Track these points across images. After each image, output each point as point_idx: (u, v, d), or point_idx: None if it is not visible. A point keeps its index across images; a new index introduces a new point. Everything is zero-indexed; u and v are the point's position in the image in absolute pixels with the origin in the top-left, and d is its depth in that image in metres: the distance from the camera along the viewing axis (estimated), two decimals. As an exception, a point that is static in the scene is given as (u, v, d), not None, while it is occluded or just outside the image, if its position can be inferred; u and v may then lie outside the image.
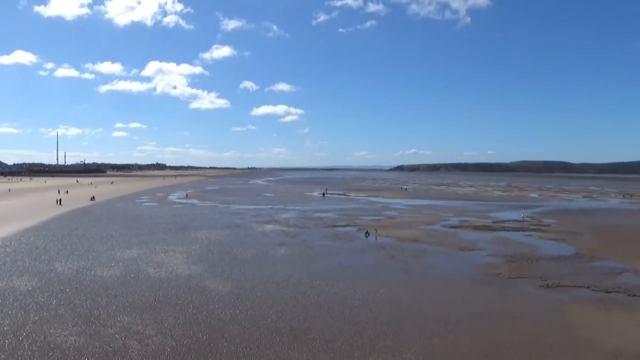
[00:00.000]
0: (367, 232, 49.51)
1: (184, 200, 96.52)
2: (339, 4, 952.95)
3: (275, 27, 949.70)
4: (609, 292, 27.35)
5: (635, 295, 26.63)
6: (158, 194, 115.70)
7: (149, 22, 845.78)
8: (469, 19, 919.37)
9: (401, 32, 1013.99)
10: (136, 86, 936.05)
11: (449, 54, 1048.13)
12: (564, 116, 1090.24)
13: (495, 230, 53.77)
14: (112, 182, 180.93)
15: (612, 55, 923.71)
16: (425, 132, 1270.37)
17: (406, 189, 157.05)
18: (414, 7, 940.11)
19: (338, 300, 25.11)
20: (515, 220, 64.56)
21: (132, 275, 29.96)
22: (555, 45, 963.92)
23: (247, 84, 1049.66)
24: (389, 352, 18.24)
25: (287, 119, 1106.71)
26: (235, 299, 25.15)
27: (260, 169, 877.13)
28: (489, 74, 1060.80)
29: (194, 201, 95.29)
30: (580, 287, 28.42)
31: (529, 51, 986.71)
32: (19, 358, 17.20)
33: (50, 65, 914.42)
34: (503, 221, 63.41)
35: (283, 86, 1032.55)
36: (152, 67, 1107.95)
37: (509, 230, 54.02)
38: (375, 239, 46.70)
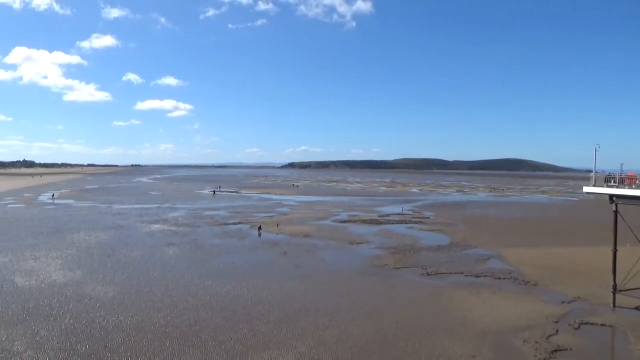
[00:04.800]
0: (259, 229, 49.32)
1: (57, 201, 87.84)
2: (227, 0, 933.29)
3: (163, 20, 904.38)
4: (479, 277, 30.39)
5: (500, 279, 29.91)
6: (26, 195, 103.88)
7: (17, 5, 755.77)
8: (354, 24, 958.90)
9: (291, 31, 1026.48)
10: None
11: (336, 55, 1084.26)
12: (440, 116, 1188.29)
13: (381, 224, 56.79)
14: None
15: (481, 63, 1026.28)
16: (315, 130, 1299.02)
17: (298, 186, 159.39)
18: (302, 9, 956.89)
19: (231, 300, 24.67)
20: (399, 214, 68.85)
21: (-5, 286, 26.56)
22: (432, 51, 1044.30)
23: (131, 77, 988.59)
24: (282, 348, 18.35)
25: (175, 114, 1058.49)
26: (119, 305, 23.50)
27: (145, 166, 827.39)
28: (374, 76, 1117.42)
29: (70, 202, 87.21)
30: (456, 273, 31.21)
31: (409, 55, 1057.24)
32: None
33: None
34: (388, 215, 67.23)
35: (171, 80, 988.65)
36: (18, 53, 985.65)
37: (393, 224, 57.42)
38: (277, 234, 46.72)
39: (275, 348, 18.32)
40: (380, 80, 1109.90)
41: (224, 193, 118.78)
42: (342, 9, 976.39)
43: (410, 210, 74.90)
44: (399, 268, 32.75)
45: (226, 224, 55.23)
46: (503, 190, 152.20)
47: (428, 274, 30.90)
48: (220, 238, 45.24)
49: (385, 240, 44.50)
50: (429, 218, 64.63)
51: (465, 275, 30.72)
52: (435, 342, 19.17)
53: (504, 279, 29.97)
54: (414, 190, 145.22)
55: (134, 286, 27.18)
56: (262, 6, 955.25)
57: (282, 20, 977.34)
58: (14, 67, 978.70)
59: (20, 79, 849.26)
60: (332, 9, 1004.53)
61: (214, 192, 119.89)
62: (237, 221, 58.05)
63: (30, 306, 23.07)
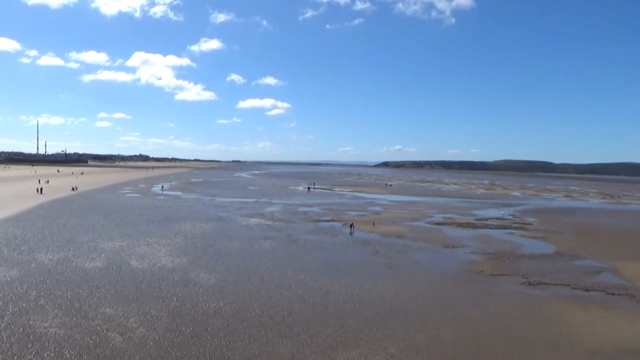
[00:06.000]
0: (351, 227, 49.58)
1: (167, 192, 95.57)
2: (325, 0, 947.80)
3: (265, 22, 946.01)
4: (589, 290, 27.85)
5: (613, 294, 27.15)
6: (141, 186, 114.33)
7: (137, 14, 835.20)
8: (453, 20, 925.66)
9: (388, 30, 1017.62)
10: (121, 76, 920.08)
11: (434, 53, 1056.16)
12: (546, 117, 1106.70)
13: (478, 228, 54.33)
14: (94, 173, 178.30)
15: (593, 59, 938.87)
16: (410, 129, 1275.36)
17: (391, 185, 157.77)
18: (400, 6, 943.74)
19: (322, 295, 25.11)
20: (498, 218, 65.32)
21: (115, 267, 29.57)
22: (537, 47, 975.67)
23: (234, 77, 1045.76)
24: (372, 347, 18.30)
25: (273, 112, 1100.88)
26: (219, 292, 24.99)
27: (245, 162, 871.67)
28: (473, 74, 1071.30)
29: (178, 193, 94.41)
30: (561, 285, 28.90)
31: (511, 53, 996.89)
32: (-3, 349, 16.85)
33: (33, 52, 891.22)
34: (486, 219, 64.10)
35: (270, 80, 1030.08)
36: (137, 57, 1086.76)
37: (491, 228, 54.64)
38: (369, 233, 46.80)
39: (365, 347, 18.33)
40: (480, 78, 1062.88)
41: (318, 190, 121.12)
42: (441, 4, 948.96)
43: (510, 215, 70.74)
44: (496, 275, 31.11)
45: (319, 221, 56.29)
46: (619, 197, 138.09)
47: (529, 283, 28.97)
48: (313, 234, 46.21)
49: (482, 245, 42.52)
50: (531, 224, 60.59)
51: (572, 288, 28.33)
52: (535, 356, 17.95)
53: (619, 294, 27.18)
54: (515, 193, 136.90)
55: (232, 275, 28.73)
56: (359, 5, 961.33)
57: (378, 18, 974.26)
58: (133, 70, 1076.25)
59: (138, 80, 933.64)
60: (430, 6, 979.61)
61: (308, 188, 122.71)
62: (329, 218, 58.90)
63: (143, 287, 25.35)
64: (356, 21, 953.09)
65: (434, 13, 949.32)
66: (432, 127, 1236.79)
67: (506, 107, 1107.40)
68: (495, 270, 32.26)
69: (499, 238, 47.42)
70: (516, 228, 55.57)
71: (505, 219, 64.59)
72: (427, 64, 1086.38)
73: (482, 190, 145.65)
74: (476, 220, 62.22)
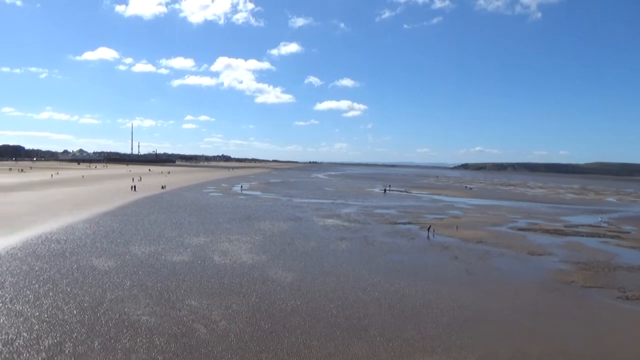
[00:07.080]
0: (429, 230, 48.44)
1: (247, 192, 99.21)
2: (403, 0, 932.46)
3: (342, 25, 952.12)
4: (698, 308, 25.04)
5: None
6: (223, 185, 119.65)
7: (221, 21, 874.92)
8: (539, 14, 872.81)
9: (468, 28, 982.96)
10: (206, 80, 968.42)
11: (518, 50, 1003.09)
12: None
13: (567, 235, 50.82)
14: (180, 172, 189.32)
15: None
16: (492, 129, 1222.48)
17: (471, 188, 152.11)
18: (481, 3, 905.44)
19: (399, 299, 24.79)
20: (590, 225, 60.66)
21: (199, 262, 31.22)
22: (631, 42, 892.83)
23: (312, 80, 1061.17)
24: (451, 355, 17.76)
25: (350, 114, 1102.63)
26: (296, 290, 25.50)
27: (321, 163, 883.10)
28: (561, 71, 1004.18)
29: (257, 193, 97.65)
30: (665, 301, 26.24)
31: (604, 48, 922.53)
32: (97, 333, 18.43)
33: (129, 60, 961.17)
34: (576, 225, 59.80)
35: (347, 82, 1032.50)
36: (221, 62, 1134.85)
37: (582, 236, 50.87)
38: (448, 237, 45.60)
39: (443, 354, 17.83)
40: (569, 75, 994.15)
41: (394, 192, 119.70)
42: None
43: (605, 222, 65.42)
44: (588, 287, 28.90)
45: (396, 223, 55.60)
46: None
47: (627, 298, 26.60)
48: (390, 236, 45.73)
49: (571, 254, 39.71)
50: (629, 232, 55.62)
51: (678, 305, 25.63)
52: (634, 377, 16.46)
53: None
54: (610, 199, 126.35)
55: (309, 274, 29.21)
56: (437, 4, 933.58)
57: (458, 16, 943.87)
58: (217, 74, 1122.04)
59: (222, 84, 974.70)
60: (514, 0, 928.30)
61: (384, 190, 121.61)
62: (406, 221, 57.99)
63: (225, 282, 26.52)
64: (435, 20, 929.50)
65: (518, 8, 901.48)
66: (516, 127, 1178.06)
67: (599, 104, 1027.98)
68: (586, 282, 30.00)
69: (590, 247, 44.04)
70: (611, 236, 51.28)
71: (599, 227, 59.81)
72: (510, 62, 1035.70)
73: (571, 195, 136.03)
74: (565, 226, 58.25)
